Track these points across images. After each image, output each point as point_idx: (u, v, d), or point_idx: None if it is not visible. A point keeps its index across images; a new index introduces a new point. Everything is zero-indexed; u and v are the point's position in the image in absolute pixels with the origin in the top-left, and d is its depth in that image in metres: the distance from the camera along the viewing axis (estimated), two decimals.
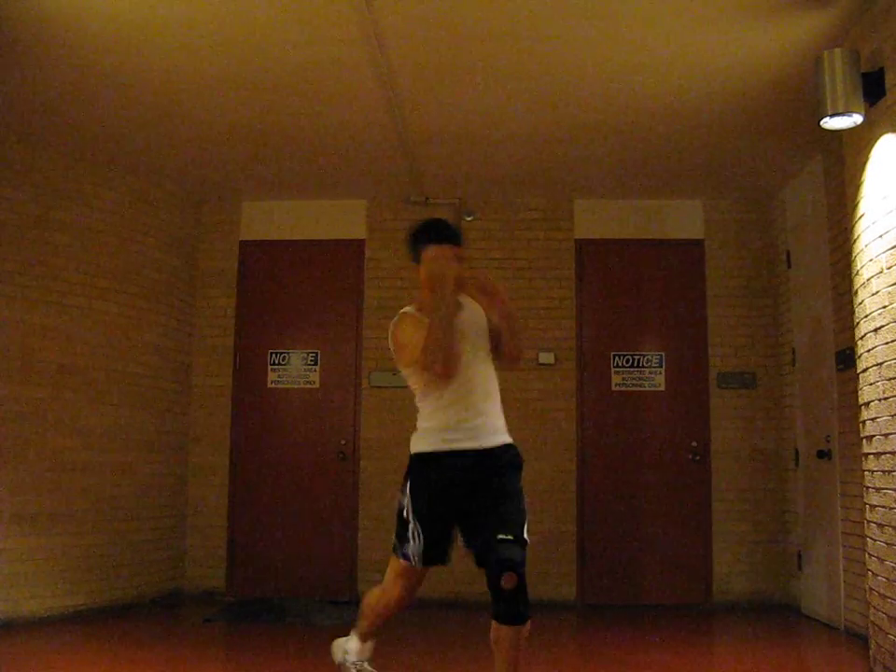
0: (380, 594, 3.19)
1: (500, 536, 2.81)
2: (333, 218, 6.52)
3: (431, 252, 3.06)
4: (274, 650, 4.62)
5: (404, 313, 3.12)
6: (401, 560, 3.05)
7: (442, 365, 2.88)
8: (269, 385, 6.41)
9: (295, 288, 6.49)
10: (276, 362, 6.42)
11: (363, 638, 3.26)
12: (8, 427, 4.99)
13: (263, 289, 6.51)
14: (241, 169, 5.93)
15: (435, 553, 3.03)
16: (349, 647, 3.31)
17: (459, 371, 2.95)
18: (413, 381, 3.08)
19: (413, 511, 3.00)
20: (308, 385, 6.40)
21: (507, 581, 2.72)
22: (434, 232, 3.14)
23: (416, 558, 3.01)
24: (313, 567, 6.14)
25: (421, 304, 3.12)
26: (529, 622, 2.79)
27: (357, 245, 6.47)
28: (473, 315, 3.14)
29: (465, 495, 2.97)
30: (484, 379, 3.08)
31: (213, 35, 4.04)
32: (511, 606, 2.75)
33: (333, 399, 6.36)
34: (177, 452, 6.20)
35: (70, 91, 4.63)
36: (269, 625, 5.27)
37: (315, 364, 6.40)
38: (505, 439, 3.11)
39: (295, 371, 6.41)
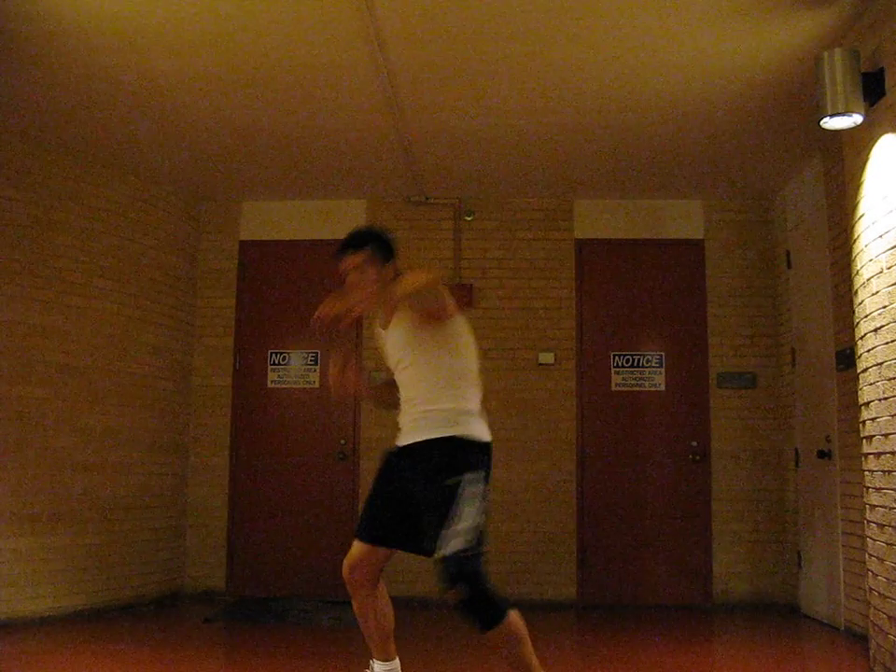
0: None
1: (434, 554, 2.72)
2: (333, 218, 6.52)
3: (339, 267, 3.14)
4: (274, 650, 4.62)
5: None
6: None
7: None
8: (269, 385, 6.42)
9: (295, 288, 6.48)
10: (276, 362, 6.42)
11: (382, 658, 3.09)
12: (8, 427, 4.99)
13: (263, 289, 6.51)
14: (241, 169, 5.93)
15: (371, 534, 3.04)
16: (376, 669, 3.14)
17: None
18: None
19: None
20: (308, 385, 6.40)
21: (453, 597, 2.68)
22: (338, 248, 3.17)
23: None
24: (313, 567, 6.14)
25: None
26: (499, 626, 2.67)
27: None
28: (401, 319, 3.00)
29: (401, 489, 2.98)
30: (413, 376, 2.97)
31: (213, 36, 4.04)
32: (467, 618, 2.70)
33: (333, 399, 6.36)
34: (177, 452, 6.20)
35: (70, 92, 4.63)
36: (269, 625, 5.26)
37: (315, 364, 6.40)
38: (432, 434, 2.87)
39: (295, 371, 6.41)
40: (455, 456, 2.83)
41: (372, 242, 3.15)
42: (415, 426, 2.95)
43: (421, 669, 4.27)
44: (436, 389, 2.93)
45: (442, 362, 2.94)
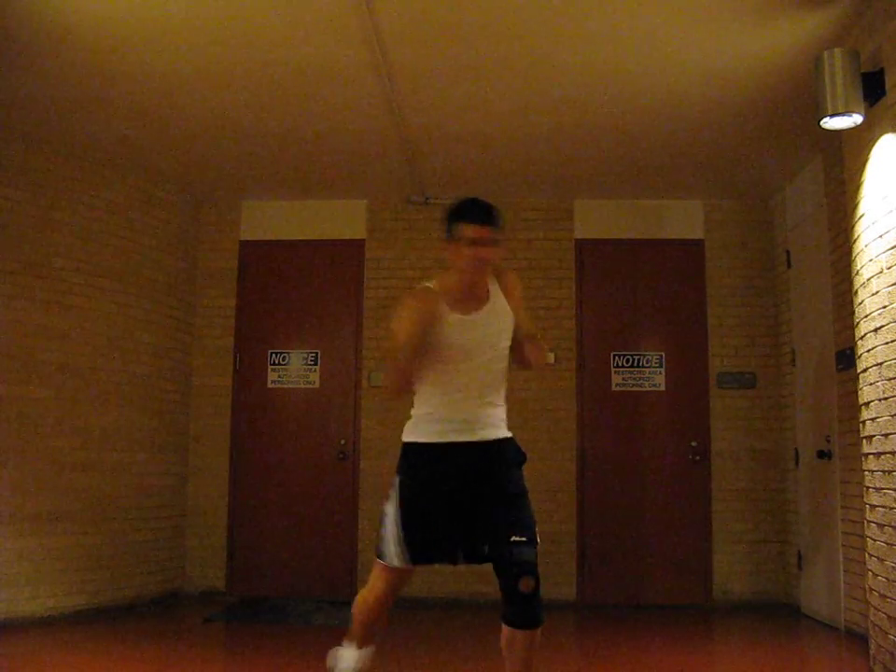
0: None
1: (515, 538, 2.70)
2: (333, 218, 6.53)
3: (470, 232, 2.83)
4: (274, 650, 4.62)
5: (417, 288, 2.96)
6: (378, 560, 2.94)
7: (387, 390, 2.88)
8: (269, 385, 6.42)
9: (295, 288, 6.48)
10: (276, 362, 6.42)
11: (359, 644, 3.08)
12: (8, 426, 4.99)
13: (263, 289, 6.51)
14: (241, 169, 5.93)
15: (425, 552, 2.88)
16: (343, 653, 3.14)
17: (409, 389, 2.88)
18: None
19: (401, 506, 2.85)
20: (308, 385, 6.40)
21: (525, 585, 2.63)
22: (473, 211, 2.89)
23: (397, 557, 2.86)
24: (313, 567, 6.14)
25: (445, 283, 2.93)
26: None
27: (357, 245, 6.47)
28: (498, 310, 2.97)
29: (462, 488, 2.84)
30: (491, 374, 2.93)
31: (213, 35, 4.04)
32: (528, 610, 2.66)
33: (333, 399, 6.36)
34: (177, 452, 6.20)
35: (70, 92, 4.63)
36: (269, 625, 5.27)
37: (315, 364, 6.40)
38: (506, 433, 2.99)
39: (295, 371, 6.41)
40: (523, 453, 3.00)
41: (501, 224, 2.97)
42: (492, 422, 2.95)
43: (421, 669, 4.28)
44: (504, 393, 3.02)
45: (506, 367, 3.02)
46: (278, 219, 6.57)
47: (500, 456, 2.93)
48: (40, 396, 5.16)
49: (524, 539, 2.72)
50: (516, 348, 2.99)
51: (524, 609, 2.66)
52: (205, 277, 6.51)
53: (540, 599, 2.69)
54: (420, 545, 2.84)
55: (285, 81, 4.54)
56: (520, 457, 2.98)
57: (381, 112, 4.87)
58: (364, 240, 6.46)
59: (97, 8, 3.77)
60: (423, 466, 2.90)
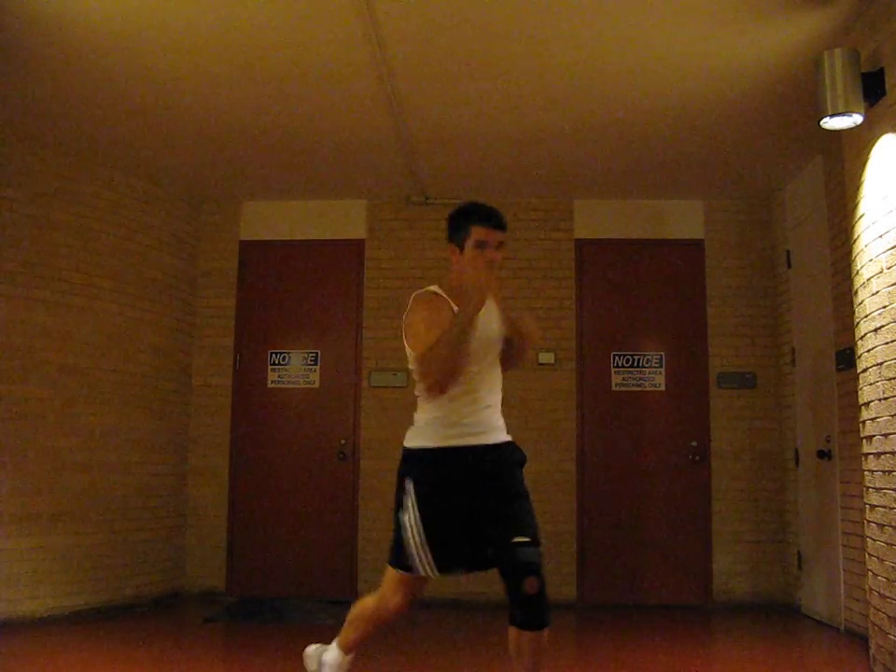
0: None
1: (518, 539, 2.69)
2: (333, 218, 6.53)
3: (479, 234, 2.88)
4: (274, 650, 4.62)
5: (424, 292, 2.95)
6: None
7: (437, 383, 2.77)
8: (269, 385, 6.42)
9: (295, 288, 6.49)
10: (276, 362, 6.42)
11: (347, 650, 3.06)
12: (8, 426, 4.99)
13: (263, 289, 6.51)
14: (241, 169, 5.93)
15: (449, 559, 2.85)
16: (327, 658, 3.10)
17: (457, 380, 2.82)
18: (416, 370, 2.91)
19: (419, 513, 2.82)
20: (308, 385, 6.40)
21: (530, 586, 2.63)
22: (481, 214, 2.94)
23: (426, 566, 2.83)
24: (313, 567, 6.14)
25: (449, 286, 2.96)
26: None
27: (357, 245, 6.47)
28: (491, 317, 2.97)
29: (473, 491, 2.83)
30: (493, 381, 2.98)
31: (213, 35, 4.04)
32: (535, 611, 2.65)
33: (333, 399, 6.36)
34: (177, 452, 6.20)
35: (70, 92, 4.63)
36: (269, 625, 5.27)
37: (315, 364, 6.40)
38: (507, 437, 3.02)
39: (295, 371, 6.41)
40: (523, 455, 3.03)
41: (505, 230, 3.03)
42: (498, 425, 3.00)
43: (421, 669, 4.27)
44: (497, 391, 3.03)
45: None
46: (278, 219, 6.56)
47: (506, 458, 2.95)
48: (40, 396, 5.16)
49: (527, 539, 2.70)
50: (506, 349, 3.02)
51: (530, 611, 2.66)
52: (205, 277, 6.51)
53: (547, 600, 2.68)
54: (446, 552, 2.83)
55: (285, 81, 4.54)
56: (521, 459, 3.00)
57: (381, 112, 4.87)
58: (364, 240, 6.46)
59: (97, 8, 3.77)
60: (439, 471, 2.88)
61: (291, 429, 6.36)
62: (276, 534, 6.22)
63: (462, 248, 2.92)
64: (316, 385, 6.39)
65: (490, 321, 2.95)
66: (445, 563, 2.84)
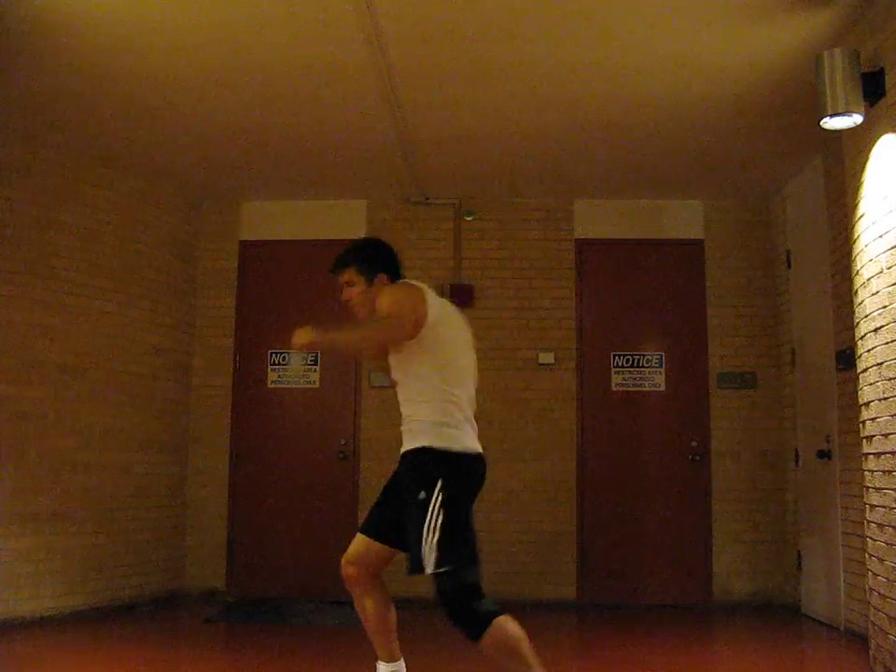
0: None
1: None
2: (333, 218, 6.52)
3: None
4: (274, 650, 4.62)
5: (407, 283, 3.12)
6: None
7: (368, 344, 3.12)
8: (269, 385, 6.41)
9: (295, 288, 6.48)
10: (276, 362, 6.42)
11: (390, 658, 3.09)
12: (8, 426, 4.99)
13: (263, 289, 6.51)
14: (241, 169, 5.93)
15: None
16: None
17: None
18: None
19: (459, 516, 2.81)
20: (308, 385, 6.40)
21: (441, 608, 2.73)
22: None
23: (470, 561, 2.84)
24: (313, 567, 6.14)
25: None
26: (489, 633, 2.68)
27: None
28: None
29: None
30: (401, 398, 3.09)
31: (213, 36, 4.04)
32: (459, 630, 2.73)
33: (333, 399, 6.36)
34: (177, 452, 6.20)
35: (70, 92, 4.63)
36: (269, 625, 5.26)
37: (315, 364, 6.40)
38: (412, 445, 2.95)
39: (295, 371, 6.41)
40: (426, 468, 2.85)
41: (355, 258, 3.17)
42: (404, 437, 3.02)
43: (421, 669, 4.27)
44: (413, 403, 3.00)
45: (420, 376, 2.98)
46: (278, 219, 6.56)
47: (403, 471, 3.01)
48: (40, 396, 5.16)
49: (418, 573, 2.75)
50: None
51: (452, 628, 2.73)
52: (205, 277, 6.51)
53: (462, 619, 2.71)
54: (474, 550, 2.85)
55: (285, 81, 4.54)
56: (415, 470, 2.98)
57: (381, 112, 4.86)
58: None
59: (97, 8, 3.77)
60: (473, 475, 2.93)
61: (291, 429, 6.36)
62: (276, 534, 6.22)
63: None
64: (316, 384, 6.39)
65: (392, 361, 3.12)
66: (365, 528, 3.07)
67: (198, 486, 6.30)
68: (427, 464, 2.86)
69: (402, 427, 3.03)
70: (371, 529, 3.04)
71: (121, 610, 5.49)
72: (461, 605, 2.70)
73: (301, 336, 2.87)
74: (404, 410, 3.03)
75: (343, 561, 3.06)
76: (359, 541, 3.05)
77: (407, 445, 2.97)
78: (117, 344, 5.67)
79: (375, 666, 3.11)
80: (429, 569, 2.72)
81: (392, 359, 3.07)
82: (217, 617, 5.47)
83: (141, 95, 4.68)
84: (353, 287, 3.13)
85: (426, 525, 2.74)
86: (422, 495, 2.77)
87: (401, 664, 3.11)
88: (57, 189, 5.37)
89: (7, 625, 4.80)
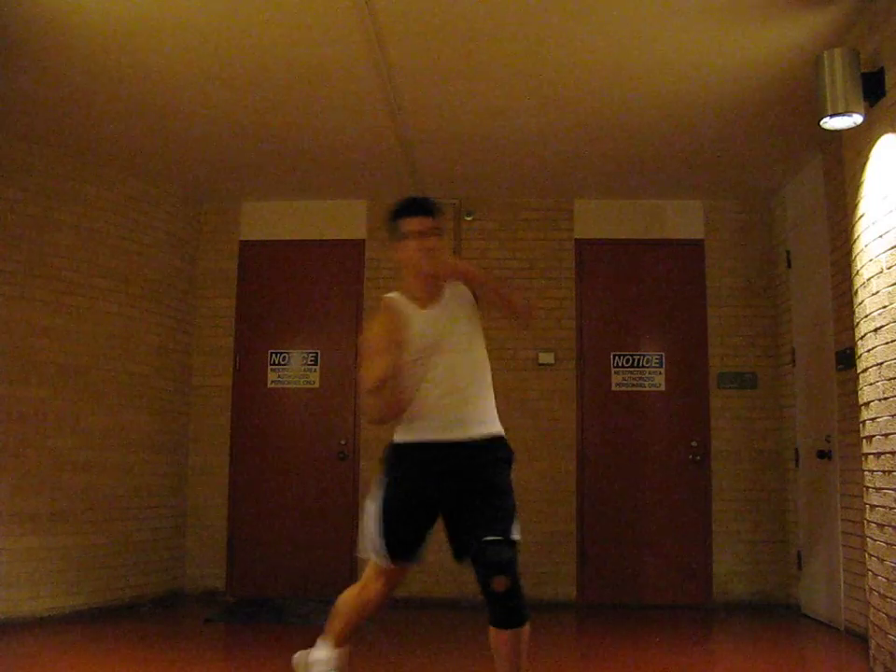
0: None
1: (487, 537, 2.68)
2: (333, 218, 6.53)
3: (408, 225, 2.93)
4: (274, 650, 4.61)
5: (382, 301, 3.05)
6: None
7: (377, 421, 2.93)
8: (269, 385, 6.41)
9: (295, 288, 6.48)
10: (276, 362, 6.42)
11: (336, 643, 3.03)
12: (8, 426, 4.99)
13: (263, 289, 6.51)
14: (241, 169, 5.93)
15: (402, 551, 2.89)
16: (315, 655, 3.05)
17: (403, 407, 2.87)
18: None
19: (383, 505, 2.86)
20: (308, 385, 6.39)
21: (498, 585, 2.61)
22: (407, 206, 3.01)
23: (375, 553, 2.88)
24: (313, 567, 6.14)
25: (406, 287, 3.05)
26: (528, 624, 2.66)
27: (357, 245, 6.47)
28: (456, 299, 2.99)
29: (441, 488, 2.84)
30: (469, 367, 2.93)
31: (212, 35, 4.04)
32: (507, 609, 2.63)
33: (333, 399, 6.36)
34: (177, 452, 6.20)
35: (70, 92, 4.63)
36: (269, 625, 5.26)
37: (315, 364, 6.40)
38: (491, 430, 2.92)
39: (295, 371, 6.41)
40: (509, 452, 2.97)
41: (439, 215, 3.05)
42: (477, 419, 2.91)
43: (421, 669, 4.28)
44: (482, 385, 2.96)
45: (484, 359, 3.00)
46: (278, 219, 6.56)
47: (479, 454, 2.88)
48: (40, 396, 5.16)
49: (497, 538, 2.69)
50: (492, 299, 3.00)
51: (501, 609, 2.65)
52: (205, 277, 6.51)
53: (520, 598, 2.66)
54: (396, 543, 2.86)
55: (285, 81, 4.54)
56: (505, 454, 2.95)
57: (381, 112, 4.86)
58: (364, 240, 6.46)
59: (97, 8, 3.77)
60: (399, 465, 2.92)
61: (291, 429, 6.36)
62: (276, 534, 6.22)
63: (401, 244, 2.98)
64: (316, 384, 6.39)
65: (452, 304, 2.97)
66: (396, 552, 2.88)
67: (198, 486, 6.29)
68: (508, 449, 2.96)
69: (466, 414, 2.89)
70: (408, 552, 2.94)
71: (121, 610, 5.49)
72: (519, 580, 2.68)
73: (459, 263, 2.90)
74: (463, 383, 2.89)
75: (389, 592, 3.02)
76: (399, 568, 2.99)
77: (488, 429, 2.91)
78: (117, 344, 5.67)
79: (316, 642, 3.07)
80: (516, 535, 2.77)
81: (462, 325, 2.94)
82: (216, 617, 5.47)
83: (141, 95, 4.68)
84: (438, 238, 2.98)
85: (513, 501, 2.85)
86: (510, 476, 2.92)
87: (345, 651, 3.07)
88: (57, 189, 5.37)
89: (7, 625, 4.80)
